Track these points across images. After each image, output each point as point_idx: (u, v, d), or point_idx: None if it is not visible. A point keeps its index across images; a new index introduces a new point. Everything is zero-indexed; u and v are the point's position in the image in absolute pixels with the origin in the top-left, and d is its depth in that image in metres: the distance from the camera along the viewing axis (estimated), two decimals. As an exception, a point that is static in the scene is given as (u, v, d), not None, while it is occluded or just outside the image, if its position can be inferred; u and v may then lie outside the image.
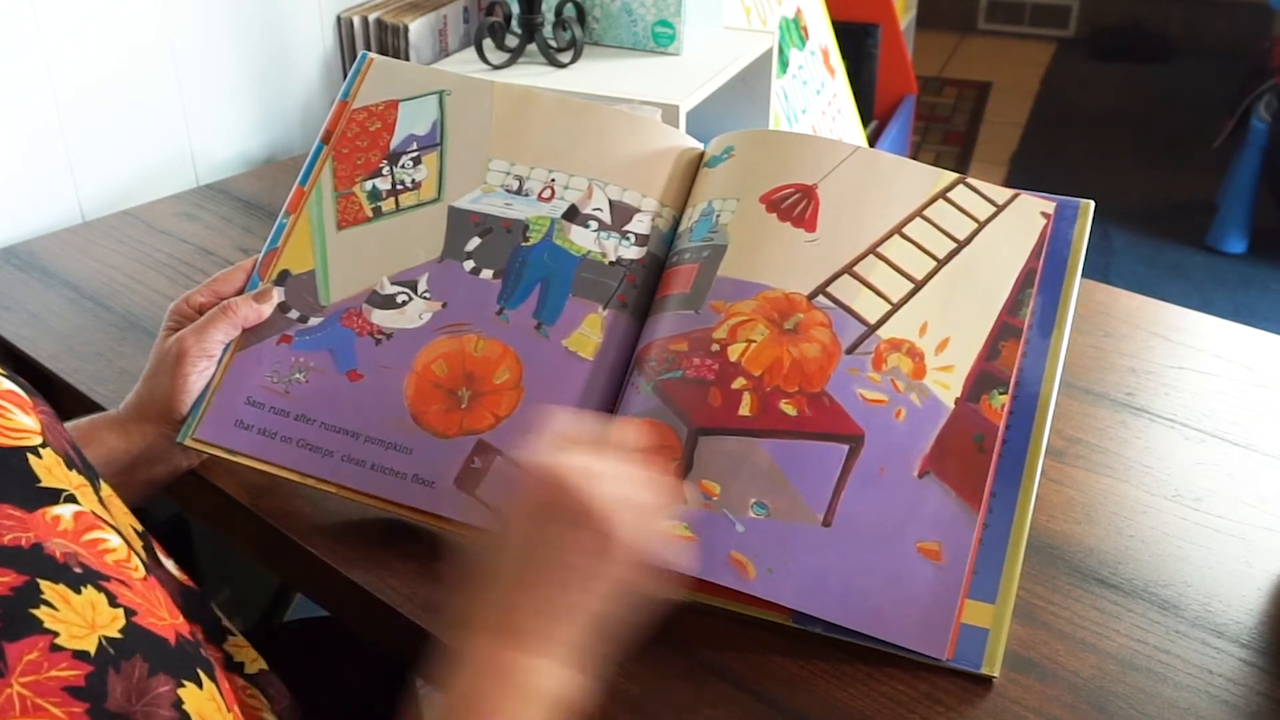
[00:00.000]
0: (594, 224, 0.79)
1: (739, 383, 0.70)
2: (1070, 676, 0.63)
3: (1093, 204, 0.76)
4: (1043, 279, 0.73)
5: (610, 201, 0.79)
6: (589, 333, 0.75)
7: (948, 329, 0.72)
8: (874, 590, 0.65)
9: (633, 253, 0.78)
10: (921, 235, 0.75)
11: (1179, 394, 0.90)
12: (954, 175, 0.78)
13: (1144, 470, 0.81)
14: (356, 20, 1.48)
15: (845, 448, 0.68)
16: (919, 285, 0.73)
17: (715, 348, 0.71)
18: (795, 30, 2.06)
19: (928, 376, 0.70)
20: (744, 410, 0.70)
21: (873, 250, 0.74)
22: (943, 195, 0.77)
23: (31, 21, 1.13)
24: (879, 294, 0.73)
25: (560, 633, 0.54)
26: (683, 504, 0.68)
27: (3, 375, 0.52)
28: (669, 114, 1.35)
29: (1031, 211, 0.76)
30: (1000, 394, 0.70)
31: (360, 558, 0.71)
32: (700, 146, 0.83)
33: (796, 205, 0.76)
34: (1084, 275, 0.75)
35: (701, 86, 1.44)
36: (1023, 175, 3.31)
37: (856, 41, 2.65)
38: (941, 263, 0.74)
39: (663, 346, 0.73)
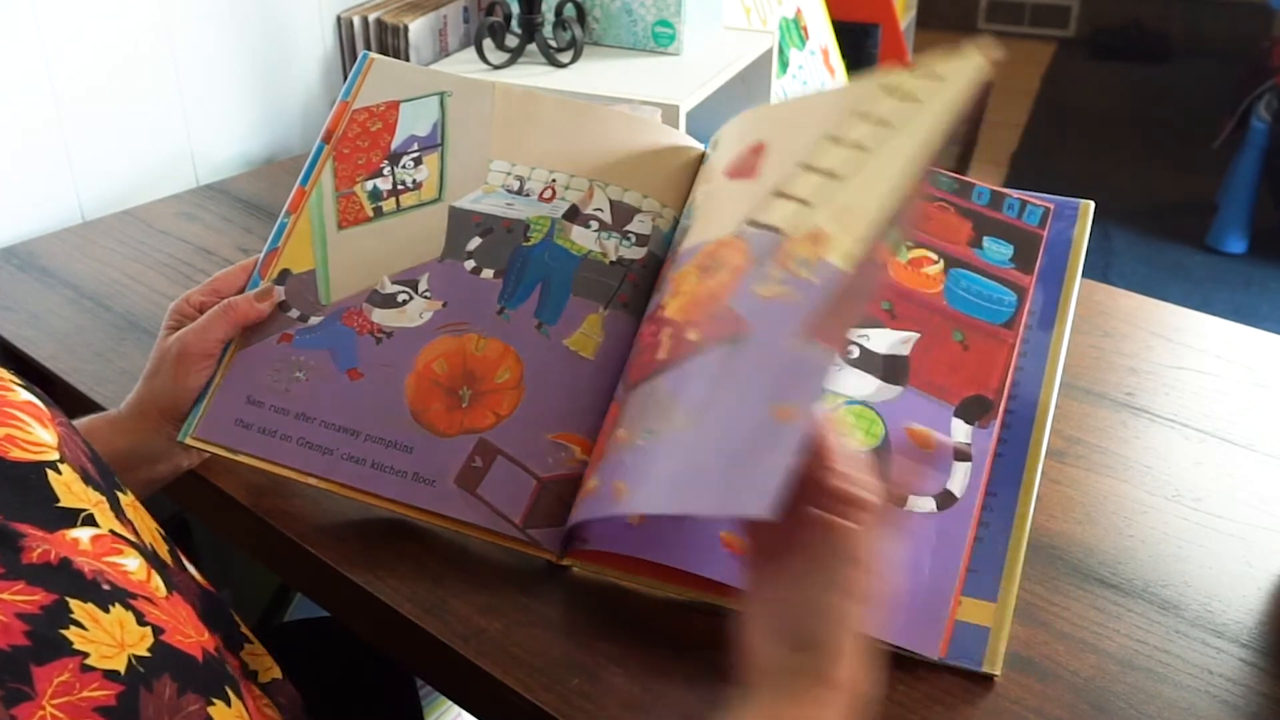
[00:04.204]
0: (595, 224, 0.79)
1: (665, 333, 0.69)
2: (1070, 676, 0.63)
3: (1093, 204, 0.76)
4: (1041, 277, 0.72)
5: (611, 202, 0.79)
6: (590, 332, 0.75)
7: (857, 200, 0.63)
8: (718, 469, 0.56)
9: (634, 253, 0.78)
10: (852, 130, 0.67)
11: (1179, 394, 0.90)
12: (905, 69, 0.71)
13: (1144, 470, 0.81)
14: (356, 20, 1.48)
15: (730, 348, 0.63)
16: (836, 175, 0.66)
17: (660, 314, 0.71)
18: (795, 30, 2.06)
19: (831, 252, 0.62)
20: (661, 354, 0.68)
21: (801, 165, 0.68)
22: (884, 87, 0.67)
23: (31, 21, 1.13)
24: (797, 200, 0.67)
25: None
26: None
27: (21, 386, 0.52)
28: (669, 114, 1.35)
29: (972, 59, 0.64)
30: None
31: (360, 558, 0.71)
32: (700, 147, 0.83)
33: (747, 162, 0.73)
34: (1084, 275, 0.75)
35: (701, 86, 1.45)
36: (1023, 175, 3.31)
37: (856, 41, 2.66)
38: (867, 147, 0.66)
39: (636, 337, 0.74)
